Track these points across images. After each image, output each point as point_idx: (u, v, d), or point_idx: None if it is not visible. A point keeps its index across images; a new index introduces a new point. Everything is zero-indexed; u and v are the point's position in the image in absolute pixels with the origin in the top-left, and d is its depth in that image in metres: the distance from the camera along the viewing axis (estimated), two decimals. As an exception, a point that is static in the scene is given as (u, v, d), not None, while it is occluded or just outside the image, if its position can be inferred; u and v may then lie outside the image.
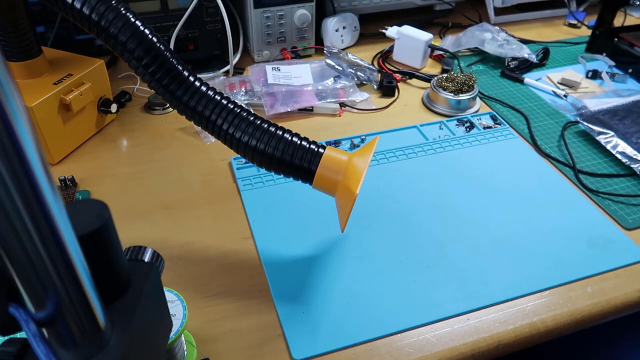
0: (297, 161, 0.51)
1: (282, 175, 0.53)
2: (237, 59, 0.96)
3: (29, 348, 0.29)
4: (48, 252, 0.24)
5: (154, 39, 0.49)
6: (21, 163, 0.21)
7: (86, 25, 0.49)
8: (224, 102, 0.50)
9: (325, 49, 0.92)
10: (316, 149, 0.52)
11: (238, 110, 0.50)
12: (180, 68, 0.50)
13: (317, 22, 0.98)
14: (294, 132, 0.52)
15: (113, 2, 0.48)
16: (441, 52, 0.99)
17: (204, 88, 0.50)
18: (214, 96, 0.50)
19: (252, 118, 0.51)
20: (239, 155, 0.53)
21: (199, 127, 0.79)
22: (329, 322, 0.54)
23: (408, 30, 0.96)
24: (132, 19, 0.48)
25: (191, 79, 0.50)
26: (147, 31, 0.49)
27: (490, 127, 0.82)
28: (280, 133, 0.51)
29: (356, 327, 0.53)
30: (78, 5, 0.48)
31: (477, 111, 0.86)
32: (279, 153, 0.51)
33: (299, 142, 0.51)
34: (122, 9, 0.48)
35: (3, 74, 0.19)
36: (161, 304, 0.38)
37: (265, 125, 0.51)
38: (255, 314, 0.55)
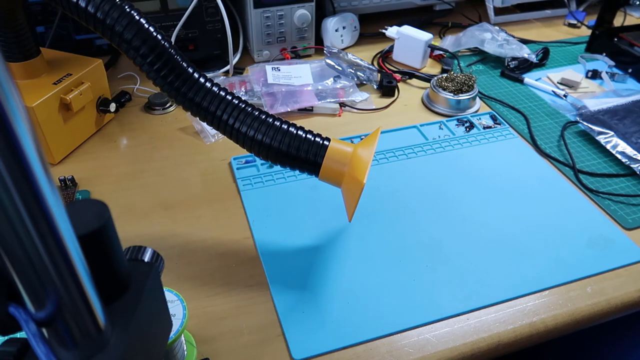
0: (303, 154, 0.52)
1: (288, 169, 0.53)
2: (237, 59, 0.96)
3: (29, 348, 0.29)
4: (48, 252, 0.24)
5: (159, 36, 0.49)
6: (21, 163, 0.21)
7: (91, 23, 0.49)
8: (229, 97, 0.51)
9: (325, 49, 0.92)
10: (321, 142, 0.52)
11: (243, 106, 0.51)
12: (185, 65, 0.50)
13: (317, 22, 0.98)
14: (298, 125, 0.53)
15: (117, 0, 0.48)
16: (441, 52, 0.99)
17: (208, 84, 0.51)
18: (219, 92, 0.51)
19: (257, 113, 0.51)
20: (245, 150, 0.53)
21: (199, 127, 0.80)
22: (329, 322, 0.54)
23: (408, 30, 0.96)
24: (137, 17, 0.48)
25: (196, 75, 0.50)
26: (151, 28, 0.49)
27: (490, 127, 0.82)
28: (286, 127, 0.51)
29: (356, 327, 0.53)
30: (83, 4, 0.48)
31: (477, 111, 0.86)
32: (285, 147, 0.51)
33: (304, 135, 0.52)
34: (126, 7, 0.48)
35: (3, 75, 0.19)
36: (161, 304, 0.38)
37: (270, 120, 0.51)
38: (255, 313, 0.55)
